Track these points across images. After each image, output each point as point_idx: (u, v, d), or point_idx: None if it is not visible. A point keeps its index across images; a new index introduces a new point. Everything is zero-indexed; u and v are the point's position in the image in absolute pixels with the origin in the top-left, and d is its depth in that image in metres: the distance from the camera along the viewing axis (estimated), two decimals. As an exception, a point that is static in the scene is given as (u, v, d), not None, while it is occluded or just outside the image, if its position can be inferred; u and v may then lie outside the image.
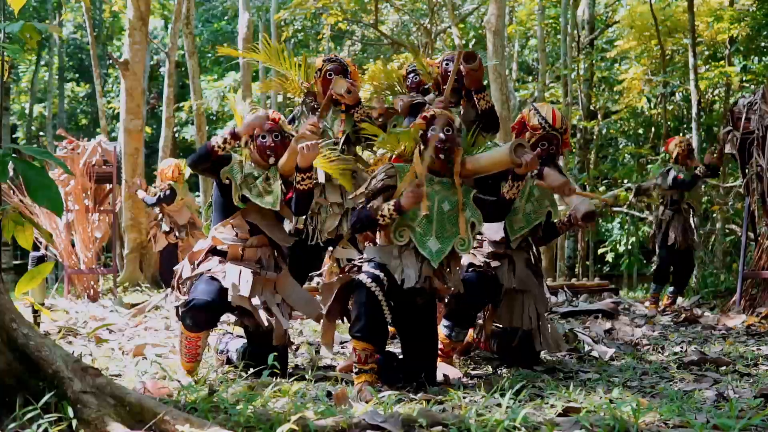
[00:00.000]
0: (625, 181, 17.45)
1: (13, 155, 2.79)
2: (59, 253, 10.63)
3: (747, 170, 8.46)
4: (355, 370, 4.10)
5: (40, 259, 4.69)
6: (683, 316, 8.28)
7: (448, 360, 4.77)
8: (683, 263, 9.12)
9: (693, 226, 8.97)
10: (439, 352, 4.55)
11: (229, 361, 4.93)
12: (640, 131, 23.55)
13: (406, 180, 4.22)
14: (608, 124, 23.74)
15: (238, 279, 4.49)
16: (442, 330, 4.66)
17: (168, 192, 11.17)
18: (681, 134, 19.74)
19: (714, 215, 12.51)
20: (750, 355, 5.43)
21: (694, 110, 13.70)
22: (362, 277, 4.07)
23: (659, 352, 5.51)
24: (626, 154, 22.64)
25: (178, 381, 4.25)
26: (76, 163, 10.44)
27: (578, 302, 9.68)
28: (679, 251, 8.90)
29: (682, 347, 5.66)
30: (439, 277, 4.27)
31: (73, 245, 10.68)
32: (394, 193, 4.22)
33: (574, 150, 24.29)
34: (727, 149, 8.65)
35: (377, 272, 4.08)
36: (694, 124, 13.84)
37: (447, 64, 5.40)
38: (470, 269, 4.77)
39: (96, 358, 5.17)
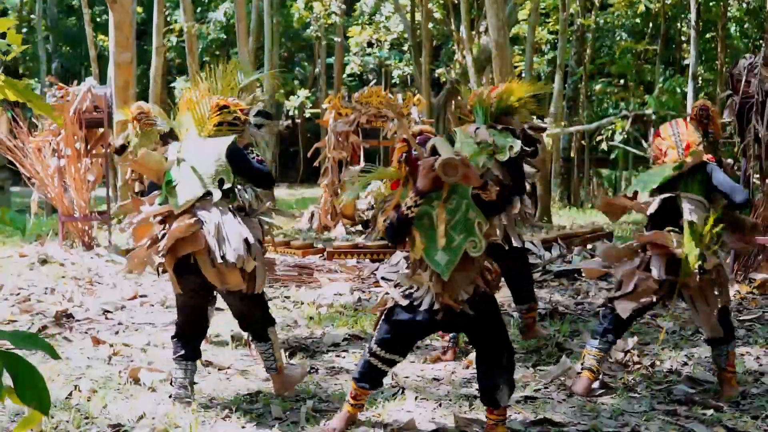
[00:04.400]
0: (621, 105, 17.23)
1: (4, 351, 2.76)
2: (52, 200, 10.62)
3: (746, 135, 8.38)
4: None
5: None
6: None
7: None
8: None
9: None
10: None
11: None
12: (638, 21, 23.14)
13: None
14: (605, 16, 23.28)
15: None
16: None
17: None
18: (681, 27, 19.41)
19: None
20: (737, 369, 5.50)
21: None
22: None
23: (648, 370, 5.58)
24: (624, 50, 22.29)
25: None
26: (66, 110, 10.32)
27: (572, 257, 9.77)
28: None
29: (671, 365, 5.72)
30: (451, 291, 4.15)
31: (66, 191, 10.65)
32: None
33: (570, 39, 23.91)
34: (726, 115, 8.54)
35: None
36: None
37: None
38: None
39: (96, 389, 5.24)
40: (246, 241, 4.75)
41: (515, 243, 5.97)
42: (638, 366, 5.68)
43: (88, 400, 5.01)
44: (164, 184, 4.93)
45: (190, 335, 5.04)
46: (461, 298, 4.16)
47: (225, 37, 29.91)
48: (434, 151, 4.17)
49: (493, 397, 4.24)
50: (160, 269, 4.90)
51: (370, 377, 4.48)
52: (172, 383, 5.03)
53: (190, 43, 15.19)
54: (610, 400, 5.04)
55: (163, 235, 4.75)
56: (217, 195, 4.82)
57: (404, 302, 4.23)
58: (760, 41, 16.06)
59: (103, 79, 15.87)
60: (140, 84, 22.81)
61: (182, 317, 5.08)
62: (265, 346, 5.12)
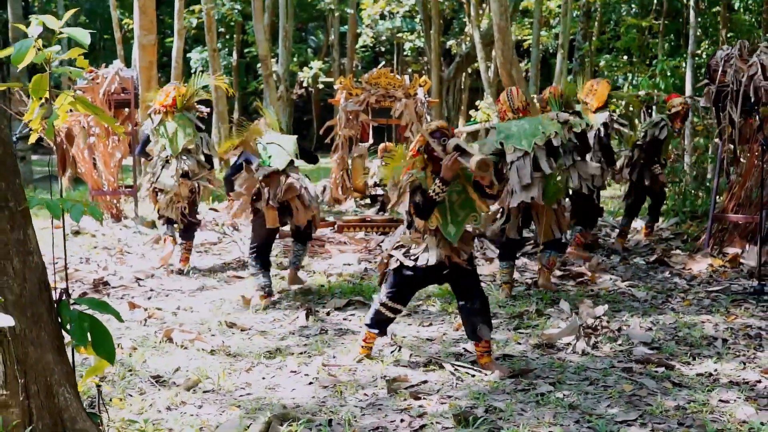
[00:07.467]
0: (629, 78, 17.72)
1: (82, 311, 3.60)
2: (83, 175, 11.45)
3: (721, 121, 9.12)
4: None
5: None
6: (655, 256, 9.15)
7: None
8: (657, 198, 9.95)
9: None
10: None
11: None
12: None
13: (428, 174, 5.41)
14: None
15: None
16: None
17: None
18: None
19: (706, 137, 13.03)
20: (695, 334, 6.31)
21: None
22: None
23: (614, 334, 6.36)
24: (629, 25, 22.79)
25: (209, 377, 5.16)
26: (96, 92, 11.10)
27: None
28: (652, 189, 9.71)
29: (632, 341, 6.36)
30: (457, 253, 5.45)
31: (95, 167, 11.49)
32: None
33: (577, 13, 24.52)
34: (703, 102, 9.29)
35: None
36: None
37: None
38: None
39: (135, 347, 6.09)
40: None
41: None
42: (606, 330, 6.48)
43: (130, 356, 5.86)
44: (264, 158, 7.48)
45: (265, 254, 7.63)
46: (463, 257, 5.49)
47: (239, 8, 30.44)
48: (457, 149, 5.29)
49: (476, 334, 5.52)
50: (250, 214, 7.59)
51: (379, 324, 5.73)
52: (262, 287, 7.48)
53: (209, 23, 16.01)
54: (576, 358, 5.86)
55: (266, 189, 7.35)
56: (296, 164, 7.63)
57: (409, 262, 5.46)
58: (765, 15, 16.70)
59: (127, 59, 16.73)
60: (158, 52, 23.43)
61: (260, 242, 7.59)
62: (302, 248, 7.93)
